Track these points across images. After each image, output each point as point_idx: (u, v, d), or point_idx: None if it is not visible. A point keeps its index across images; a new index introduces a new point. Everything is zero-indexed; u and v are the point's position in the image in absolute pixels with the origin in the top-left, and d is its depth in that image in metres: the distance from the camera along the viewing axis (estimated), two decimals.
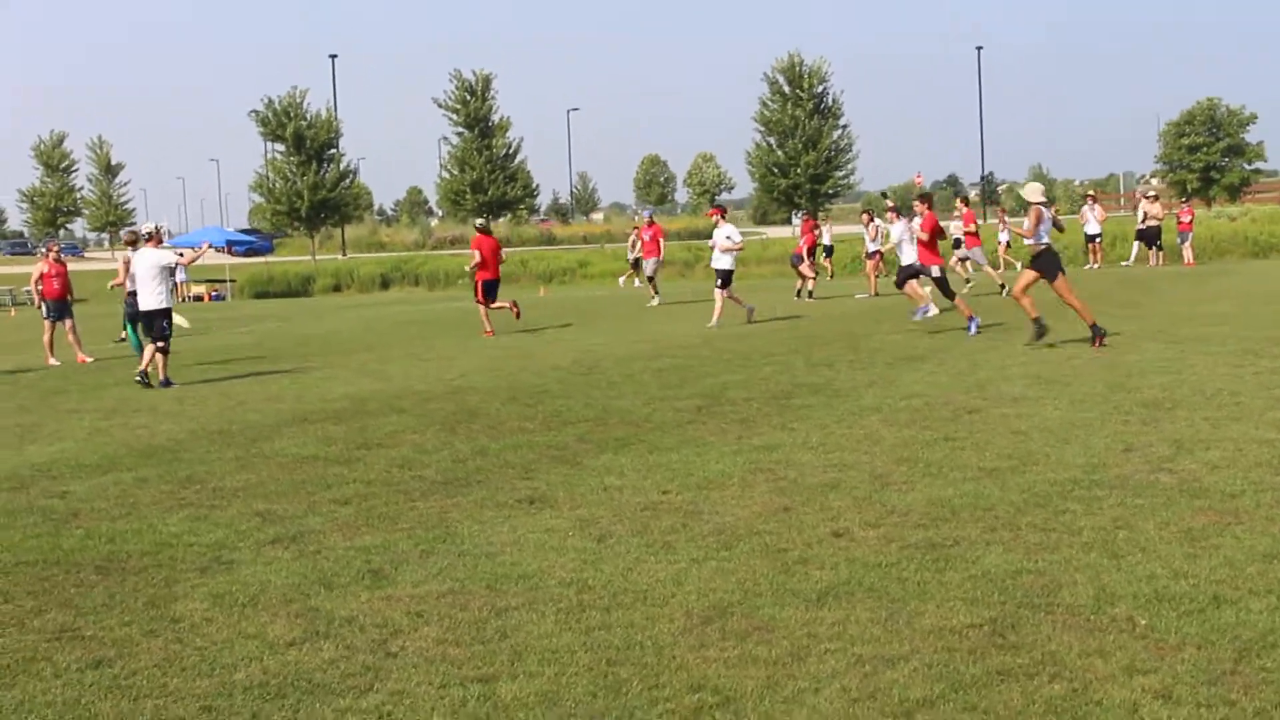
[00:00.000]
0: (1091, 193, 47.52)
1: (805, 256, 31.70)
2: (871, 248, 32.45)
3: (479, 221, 28.43)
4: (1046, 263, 16.63)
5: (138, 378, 17.26)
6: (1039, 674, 5.13)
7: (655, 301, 31.79)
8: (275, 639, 5.99)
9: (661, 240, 32.69)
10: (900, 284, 20.83)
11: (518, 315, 25.00)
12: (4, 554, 7.93)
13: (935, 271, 20.02)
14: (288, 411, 14.09)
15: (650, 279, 32.81)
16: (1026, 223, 16.81)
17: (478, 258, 24.89)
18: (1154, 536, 7.06)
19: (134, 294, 18.74)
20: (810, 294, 30.72)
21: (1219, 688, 4.91)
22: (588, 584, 6.67)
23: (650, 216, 34.60)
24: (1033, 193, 17.10)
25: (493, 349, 20.89)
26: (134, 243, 21.11)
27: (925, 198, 20.80)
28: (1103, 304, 23.54)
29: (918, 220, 20.20)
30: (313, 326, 31.36)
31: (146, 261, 17.65)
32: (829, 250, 42.28)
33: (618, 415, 12.54)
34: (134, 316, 21.11)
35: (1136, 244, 40.23)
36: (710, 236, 25.47)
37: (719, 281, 23.72)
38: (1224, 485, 8.21)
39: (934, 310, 20.15)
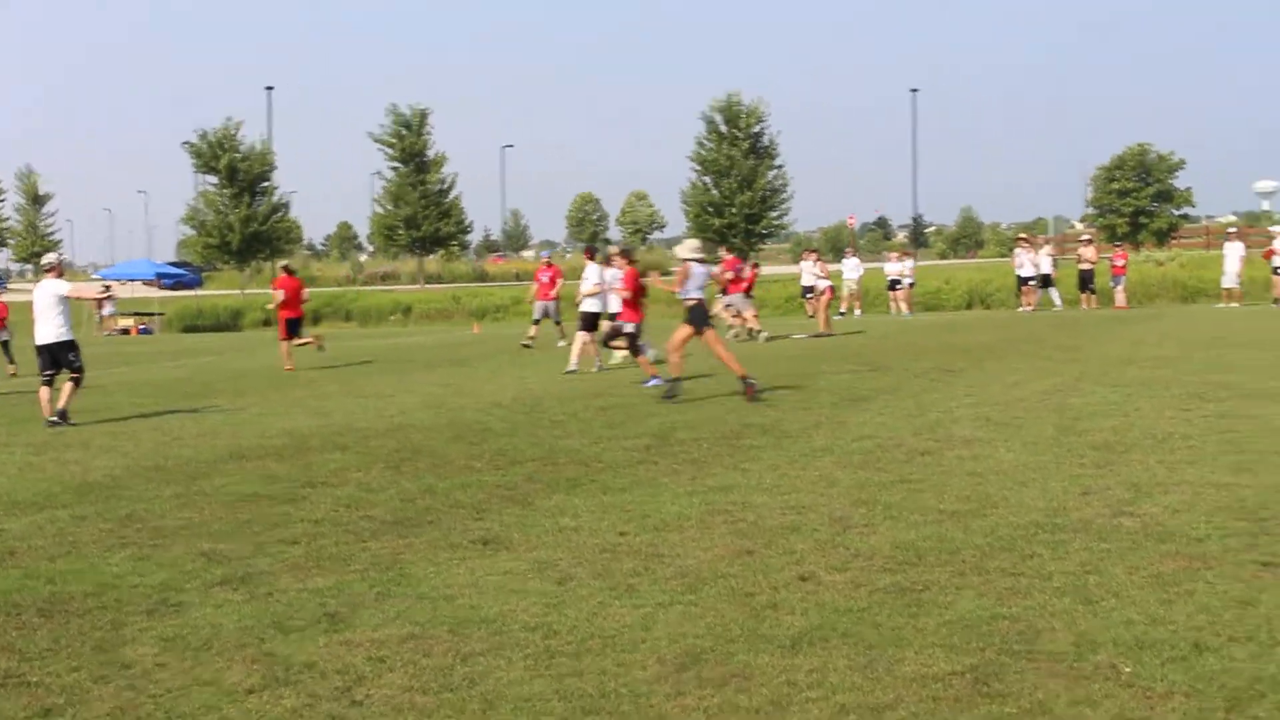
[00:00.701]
0: (1023, 235, 48.06)
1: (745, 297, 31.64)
2: (821, 285, 33.34)
3: (284, 263, 29.71)
4: (695, 316, 17.04)
5: (53, 419, 16.55)
6: None
7: (563, 343, 29.32)
8: (233, 686, 5.75)
9: (560, 282, 31.61)
10: (606, 340, 21.16)
11: (320, 348, 27.70)
12: None
13: (629, 327, 19.93)
14: (225, 448, 13.78)
15: (537, 321, 31.05)
16: (676, 277, 17.33)
17: (281, 297, 26.56)
18: (1125, 581, 6.98)
19: None
20: (750, 333, 30.66)
21: None
22: (553, 629, 6.48)
23: (549, 258, 34.21)
24: (685, 250, 17.80)
25: (431, 385, 20.63)
26: None
27: (626, 253, 20.97)
28: (1040, 347, 23.73)
29: (618, 274, 20.55)
30: (245, 361, 30.90)
31: (44, 293, 17.13)
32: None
33: (565, 454, 12.36)
34: None
35: (1048, 290, 40.23)
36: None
37: (580, 324, 22.91)
38: (1187, 529, 8.16)
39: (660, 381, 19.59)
